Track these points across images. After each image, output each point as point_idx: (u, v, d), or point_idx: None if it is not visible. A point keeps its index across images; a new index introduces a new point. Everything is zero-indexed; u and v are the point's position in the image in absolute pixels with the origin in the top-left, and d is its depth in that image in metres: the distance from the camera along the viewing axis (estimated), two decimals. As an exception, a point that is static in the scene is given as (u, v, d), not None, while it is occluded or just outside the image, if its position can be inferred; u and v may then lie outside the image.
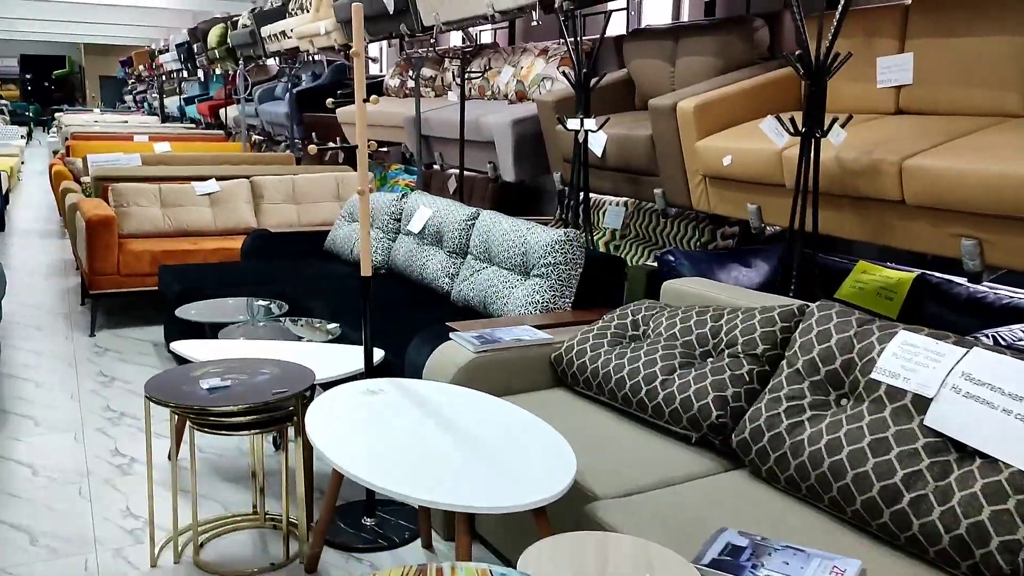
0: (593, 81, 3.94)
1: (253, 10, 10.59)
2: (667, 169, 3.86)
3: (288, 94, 9.48)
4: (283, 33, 9.39)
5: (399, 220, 4.60)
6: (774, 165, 3.17)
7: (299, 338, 3.45)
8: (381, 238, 4.60)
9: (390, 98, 7.68)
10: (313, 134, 9.00)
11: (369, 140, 7.64)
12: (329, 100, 7.28)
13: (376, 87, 8.15)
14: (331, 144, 8.14)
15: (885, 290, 3.18)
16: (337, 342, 3.47)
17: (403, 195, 4.62)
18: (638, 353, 2.58)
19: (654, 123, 3.81)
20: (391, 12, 6.60)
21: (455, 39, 8.37)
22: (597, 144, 4.21)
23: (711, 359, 2.47)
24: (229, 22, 11.64)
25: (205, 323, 3.66)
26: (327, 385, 3.20)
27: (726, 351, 2.45)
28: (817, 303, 2.33)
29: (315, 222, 5.95)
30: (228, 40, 11.76)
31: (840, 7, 2.75)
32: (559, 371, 2.84)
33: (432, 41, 6.72)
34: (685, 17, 5.21)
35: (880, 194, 2.77)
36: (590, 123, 3.89)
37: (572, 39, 4.05)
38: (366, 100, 2.66)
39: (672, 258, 3.81)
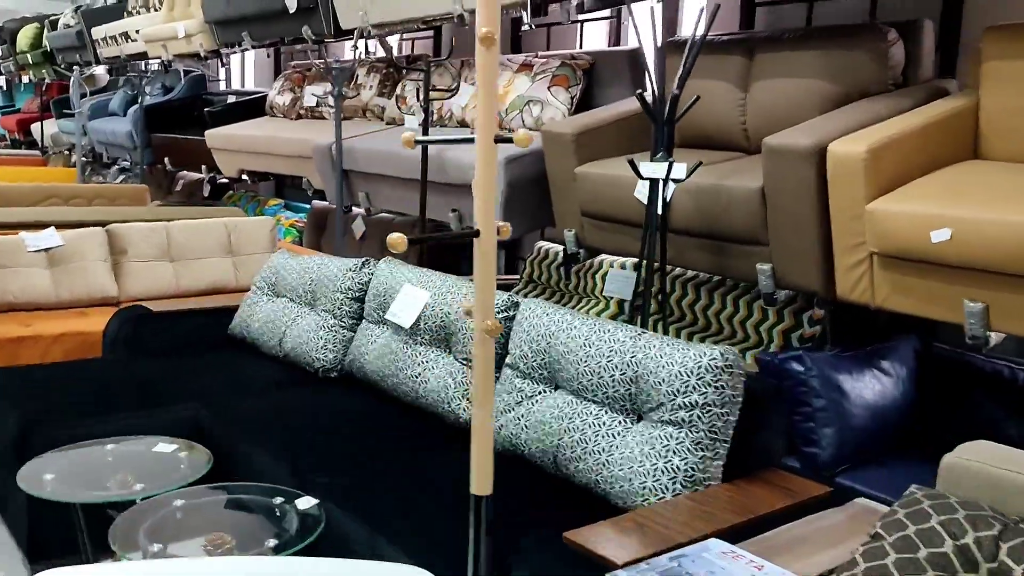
0: (680, 111, 2.69)
1: (78, 8, 8.67)
2: (786, 238, 2.66)
3: (131, 110, 7.67)
4: (125, 35, 7.58)
5: (359, 300, 3.16)
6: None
7: (260, 541, 1.97)
8: (332, 326, 3.14)
9: (276, 119, 6.13)
10: (166, 159, 7.26)
11: (241, 170, 6.06)
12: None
13: (253, 107, 6.55)
14: (205, 173, 6.47)
15: None
16: (321, 541, 2.02)
17: (364, 263, 3.18)
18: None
19: (773, 172, 2.61)
20: (292, 10, 5.10)
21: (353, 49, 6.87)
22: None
23: None
24: (47, 22, 9.59)
25: (77, 507, 2.12)
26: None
27: None
28: None
29: (199, 287, 4.36)
30: (44, 43, 9.71)
31: None
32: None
33: (322, 55, 5.23)
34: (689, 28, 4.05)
35: None
36: (679, 169, 2.63)
37: (633, 47, 2.78)
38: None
39: (800, 367, 2.61)
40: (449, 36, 5.60)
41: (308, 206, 6.81)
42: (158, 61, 7.35)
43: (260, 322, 3.39)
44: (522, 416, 2.38)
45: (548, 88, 3.90)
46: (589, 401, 2.25)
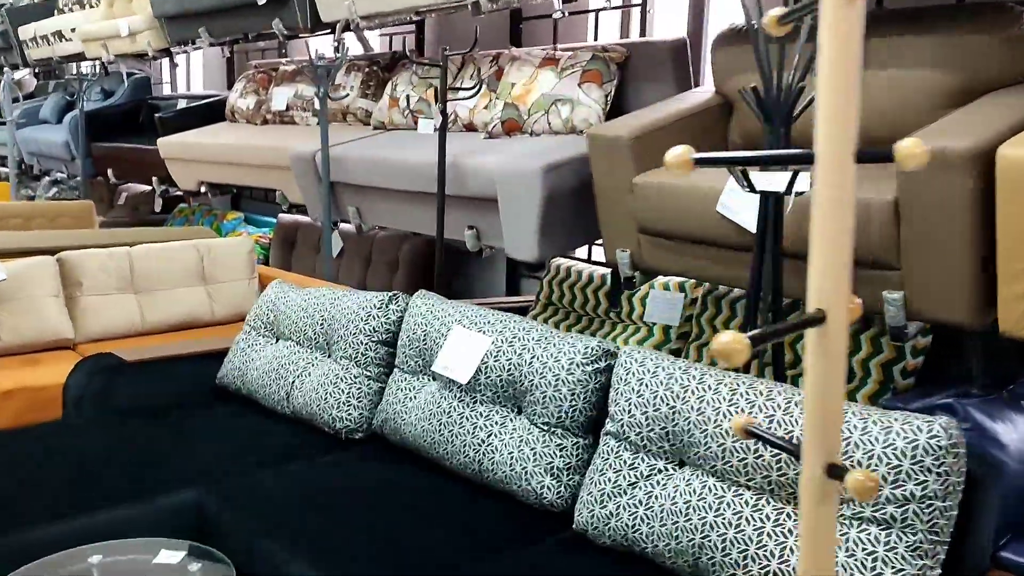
0: (799, 107, 2.19)
1: (1, 6, 7.86)
2: (926, 261, 2.19)
3: (66, 117, 6.91)
4: (58, 34, 6.83)
5: (387, 344, 2.59)
6: None
7: None
8: (355, 377, 2.57)
9: (239, 125, 5.49)
10: (109, 171, 6.53)
11: (201, 182, 5.41)
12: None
13: (209, 112, 5.88)
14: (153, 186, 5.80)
15: None
16: None
17: (391, 298, 2.62)
18: None
19: (914, 181, 2.13)
20: (262, 2, 4.50)
21: (327, 45, 6.26)
22: (748, 213, 2.47)
23: None
24: (-37, 20, 8.72)
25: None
26: None
27: None
28: None
29: (168, 323, 3.72)
30: (-37, 44, 8.83)
31: None
32: None
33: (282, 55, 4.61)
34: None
35: None
36: (803, 180, 2.14)
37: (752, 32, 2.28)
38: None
39: (962, 412, 2.15)
40: (436, 31, 5.04)
41: (273, 220, 6.18)
42: (96, 62, 6.64)
43: (259, 371, 2.80)
44: (640, 503, 1.86)
45: (579, 85, 3.38)
46: (740, 486, 1.74)
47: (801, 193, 2.18)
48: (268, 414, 2.75)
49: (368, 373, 2.58)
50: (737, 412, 1.75)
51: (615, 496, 1.90)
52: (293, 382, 2.69)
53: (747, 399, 1.76)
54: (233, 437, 2.55)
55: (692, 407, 1.82)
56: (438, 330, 2.39)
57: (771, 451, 1.69)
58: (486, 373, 2.22)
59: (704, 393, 1.82)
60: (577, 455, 2.09)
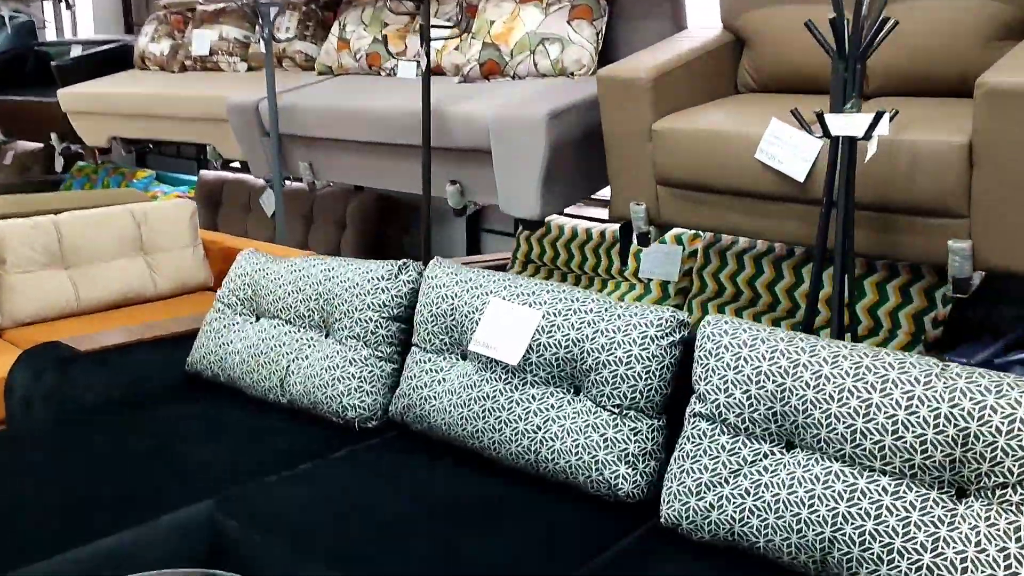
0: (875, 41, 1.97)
1: None
2: (1002, 208, 2.03)
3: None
4: (-78, -28, 6.02)
5: (401, 320, 2.29)
6: None
7: None
8: (365, 358, 2.26)
9: (153, 73, 4.95)
10: (-5, 127, 5.84)
11: (113, 138, 4.87)
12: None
13: (112, 59, 5.28)
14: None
15: None
16: None
17: (401, 267, 2.31)
18: None
19: (997, 121, 1.96)
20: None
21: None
22: (800, 163, 2.26)
23: None
24: None
25: None
26: None
27: None
28: None
29: (106, 300, 3.29)
30: None
31: None
32: None
33: None
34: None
35: None
36: (884, 124, 1.93)
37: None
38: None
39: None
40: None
41: (187, 177, 5.67)
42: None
43: (241, 356, 2.45)
44: (747, 492, 1.65)
45: (568, 22, 3.09)
46: (876, 471, 1.54)
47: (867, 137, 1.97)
48: (259, 405, 2.41)
49: (379, 353, 2.27)
50: (867, 389, 1.55)
51: (714, 486, 1.68)
52: (288, 367, 2.35)
53: (876, 373, 1.56)
54: (228, 435, 2.21)
55: (807, 383, 1.61)
56: (468, 303, 2.10)
57: (913, 432, 1.50)
58: (538, 351, 1.95)
59: (820, 368, 1.61)
60: (652, 439, 1.86)
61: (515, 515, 1.84)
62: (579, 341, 1.91)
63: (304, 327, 2.41)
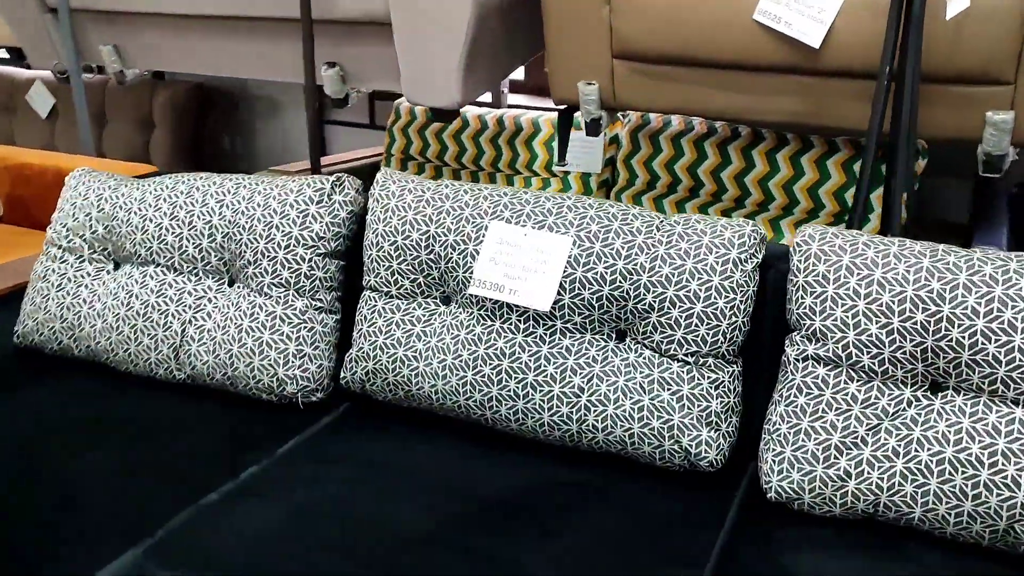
0: None
1: None
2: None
3: None
4: None
5: (339, 257, 1.70)
6: None
7: None
8: (304, 311, 1.67)
9: None
10: None
11: None
12: None
13: None
14: None
15: None
16: None
17: (335, 184, 1.70)
18: None
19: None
20: None
21: None
22: (814, 25, 1.86)
23: None
24: None
25: None
26: None
27: None
28: None
29: None
30: None
31: None
32: None
33: None
34: None
35: None
36: (966, -29, 1.55)
37: None
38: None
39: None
40: None
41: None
42: None
43: (105, 319, 1.77)
44: (895, 453, 1.29)
45: None
46: (1073, 415, 1.23)
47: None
48: (145, 387, 1.75)
49: (318, 303, 1.68)
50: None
51: (848, 448, 1.31)
52: (183, 331, 1.71)
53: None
54: (119, 441, 1.57)
55: (970, 310, 1.25)
56: (453, 228, 1.55)
57: None
58: (571, 291, 1.47)
59: (978, 288, 1.25)
60: (734, 391, 1.46)
61: (568, 507, 1.39)
62: (631, 273, 1.44)
63: (196, 273, 1.76)
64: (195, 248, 1.74)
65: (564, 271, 1.46)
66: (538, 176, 2.89)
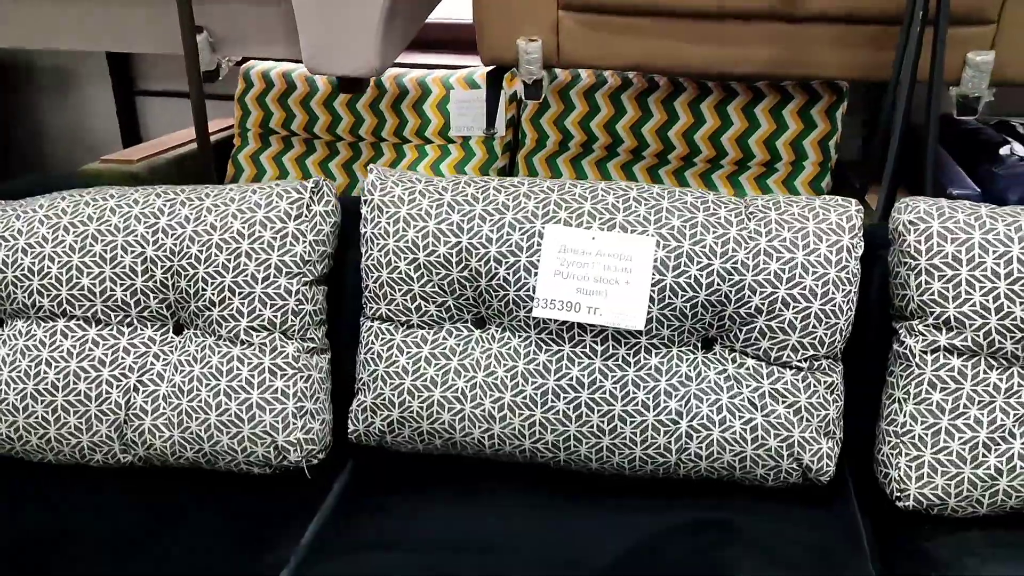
0: None
1: None
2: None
3: None
4: None
5: (324, 280, 1.35)
6: None
7: None
8: (296, 356, 1.30)
9: None
10: None
11: None
12: None
13: None
14: None
15: None
16: None
17: (314, 188, 1.32)
18: None
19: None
20: None
21: None
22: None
23: None
24: None
25: None
26: None
27: None
28: None
29: None
30: None
31: None
32: None
33: None
34: None
35: None
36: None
37: None
38: None
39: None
40: None
41: None
42: None
43: (7, 398, 1.30)
44: (1049, 443, 1.18)
45: None
46: None
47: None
48: (87, 481, 1.31)
49: (309, 343, 1.32)
50: None
51: (997, 443, 1.19)
52: (128, 402, 1.29)
53: None
54: (89, 553, 1.15)
55: (1121, 282, 1.15)
56: (490, 237, 1.25)
57: None
58: (660, 301, 1.22)
59: None
60: (843, 393, 1.29)
61: (704, 553, 1.17)
62: (730, 274, 1.22)
63: (129, 324, 1.33)
64: (124, 291, 1.31)
65: (651, 278, 1.21)
66: (432, 143, 2.56)
